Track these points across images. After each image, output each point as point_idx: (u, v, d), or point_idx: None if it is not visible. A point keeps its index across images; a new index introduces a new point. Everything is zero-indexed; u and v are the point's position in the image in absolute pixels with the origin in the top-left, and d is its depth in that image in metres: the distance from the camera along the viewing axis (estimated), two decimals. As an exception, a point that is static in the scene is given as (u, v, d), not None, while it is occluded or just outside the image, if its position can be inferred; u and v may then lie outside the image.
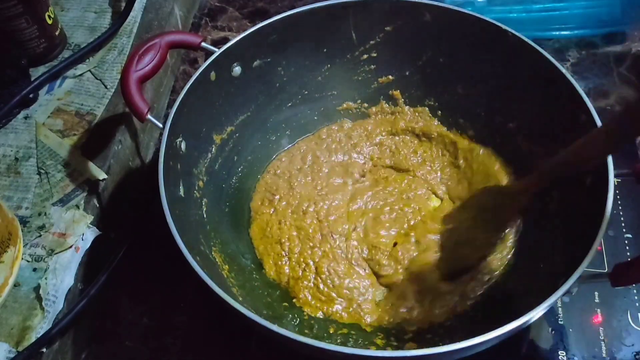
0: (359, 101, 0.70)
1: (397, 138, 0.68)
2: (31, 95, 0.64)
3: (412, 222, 0.61)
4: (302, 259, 0.59)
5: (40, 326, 0.50)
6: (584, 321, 0.55)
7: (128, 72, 0.54)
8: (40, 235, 0.54)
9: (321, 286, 0.56)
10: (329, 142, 0.69)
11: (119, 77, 0.64)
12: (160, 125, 0.53)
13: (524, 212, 0.56)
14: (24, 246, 0.53)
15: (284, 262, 0.59)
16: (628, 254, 0.60)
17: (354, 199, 0.63)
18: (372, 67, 0.68)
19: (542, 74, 0.55)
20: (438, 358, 0.41)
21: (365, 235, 0.60)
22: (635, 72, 0.76)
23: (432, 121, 0.68)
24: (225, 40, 0.83)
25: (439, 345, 0.39)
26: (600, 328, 0.55)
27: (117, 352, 0.57)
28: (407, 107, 0.69)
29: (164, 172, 0.49)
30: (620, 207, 0.63)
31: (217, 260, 0.55)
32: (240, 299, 0.52)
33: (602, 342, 0.54)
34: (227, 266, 0.55)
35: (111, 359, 0.57)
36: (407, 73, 0.67)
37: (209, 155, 0.61)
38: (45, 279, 0.52)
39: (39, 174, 0.58)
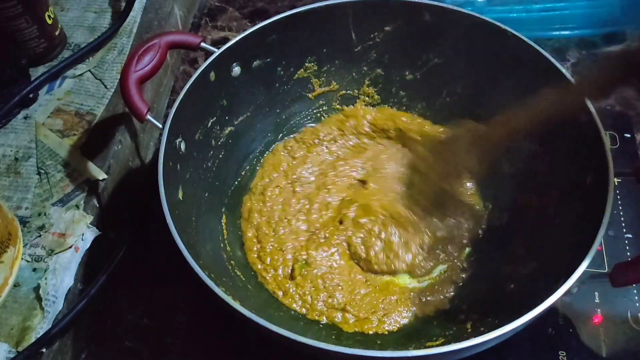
0: (358, 101, 0.70)
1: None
2: (31, 95, 0.64)
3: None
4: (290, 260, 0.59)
5: (40, 326, 0.50)
6: (584, 321, 0.55)
7: (127, 73, 0.54)
8: (40, 236, 0.54)
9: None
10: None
11: (118, 77, 0.64)
12: (160, 126, 0.53)
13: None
14: (23, 246, 0.53)
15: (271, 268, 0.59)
16: (628, 254, 0.60)
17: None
18: (372, 67, 0.68)
19: (542, 74, 0.55)
20: (438, 358, 0.41)
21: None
22: (635, 72, 0.76)
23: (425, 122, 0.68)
24: (225, 40, 0.83)
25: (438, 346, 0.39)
26: (600, 328, 0.55)
27: (117, 352, 0.57)
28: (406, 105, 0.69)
29: (163, 172, 0.49)
30: (620, 207, 0.63)
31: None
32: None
33: (602, 342, 0.54)
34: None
35: (111, 359, 0.57)
36: (406, 72, 0.67)
37: (209, 155, 0.61)
38: (45, 279, 0.52)
39: (39, 174, 0.58)
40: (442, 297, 0.56)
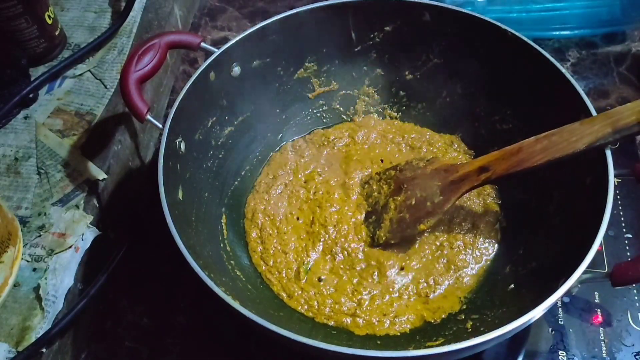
0: (358, 101, 0.70)
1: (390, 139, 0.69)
2: (31, 95, 0.64)
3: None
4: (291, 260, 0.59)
5: (40, 326, 0.50)
6: (584, 321, 0.55)
7: (127, 73, 0.54)
8: (40, 236, 0.54)
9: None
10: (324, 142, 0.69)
11: (118, 77, 0.64)
12: (160, 126, 0.53)
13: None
14: (23, 246, 0.53)
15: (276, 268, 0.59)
16: (628, 254, 0.60)
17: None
18: (372, 67, 0.68)
19: (542, 74, 0.55)
20: (438, 358, 0.41)
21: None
22: (635, 72, 0.76)
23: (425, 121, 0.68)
24: (225, 40, 0.83)
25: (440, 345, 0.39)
26: (600, 328, 0.55)
27: (117, 352, 0.57)
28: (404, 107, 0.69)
29: (163, 172, 0.49)
30: (620, 207, 0.63)
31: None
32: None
33: (602, 342, 0.54)
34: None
35: (111, 359, 0.57)
36: (406, 72, 0.67)
37: (209, 155, 0.61)
38: (45, 279, 0.52)
39: (39, 174, 0.58)
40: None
